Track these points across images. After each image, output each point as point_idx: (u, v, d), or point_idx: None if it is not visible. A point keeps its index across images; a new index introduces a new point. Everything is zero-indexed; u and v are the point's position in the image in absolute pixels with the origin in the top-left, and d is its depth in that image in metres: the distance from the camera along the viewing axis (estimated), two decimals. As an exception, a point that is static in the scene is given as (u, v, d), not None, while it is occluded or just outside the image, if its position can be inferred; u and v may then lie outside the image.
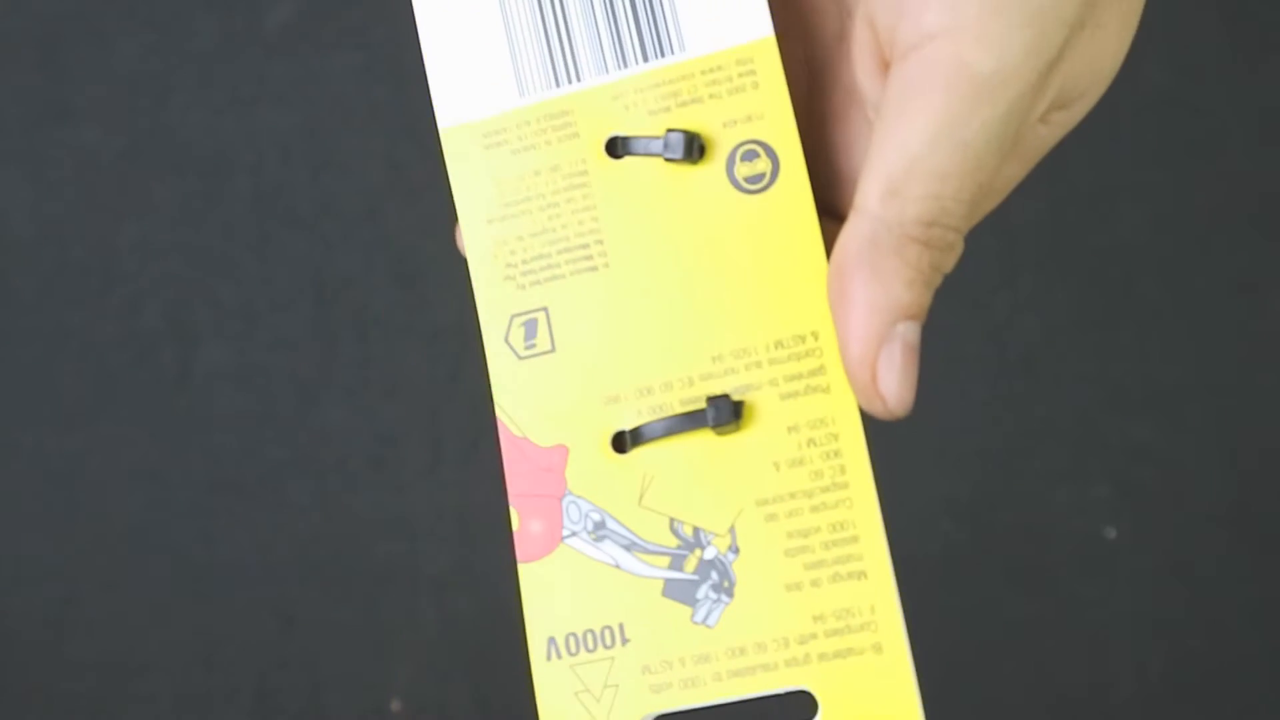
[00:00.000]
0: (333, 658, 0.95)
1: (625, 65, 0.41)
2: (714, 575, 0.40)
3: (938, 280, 0.38)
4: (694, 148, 0.40)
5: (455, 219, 0.99)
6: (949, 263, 0.38)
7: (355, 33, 1.00)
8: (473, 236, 0.42)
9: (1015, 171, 0.39)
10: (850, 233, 0.38)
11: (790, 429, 0.40)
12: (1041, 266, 0.99)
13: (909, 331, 0.38)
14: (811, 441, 0.40)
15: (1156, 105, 1.00)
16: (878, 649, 0.39)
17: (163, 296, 0.98)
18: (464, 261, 1.04)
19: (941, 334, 0.98)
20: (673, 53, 0.41)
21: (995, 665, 0.96)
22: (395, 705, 0.95)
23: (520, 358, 0.41)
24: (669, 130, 0.40)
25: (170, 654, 0.95)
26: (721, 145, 0.41)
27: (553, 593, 0.40)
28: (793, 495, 0.40)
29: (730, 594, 0.39)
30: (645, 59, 0.41)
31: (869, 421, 0.40)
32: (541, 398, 0.41)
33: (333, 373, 0.97)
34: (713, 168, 0.41)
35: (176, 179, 0.99)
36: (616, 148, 0.41)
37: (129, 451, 0.96)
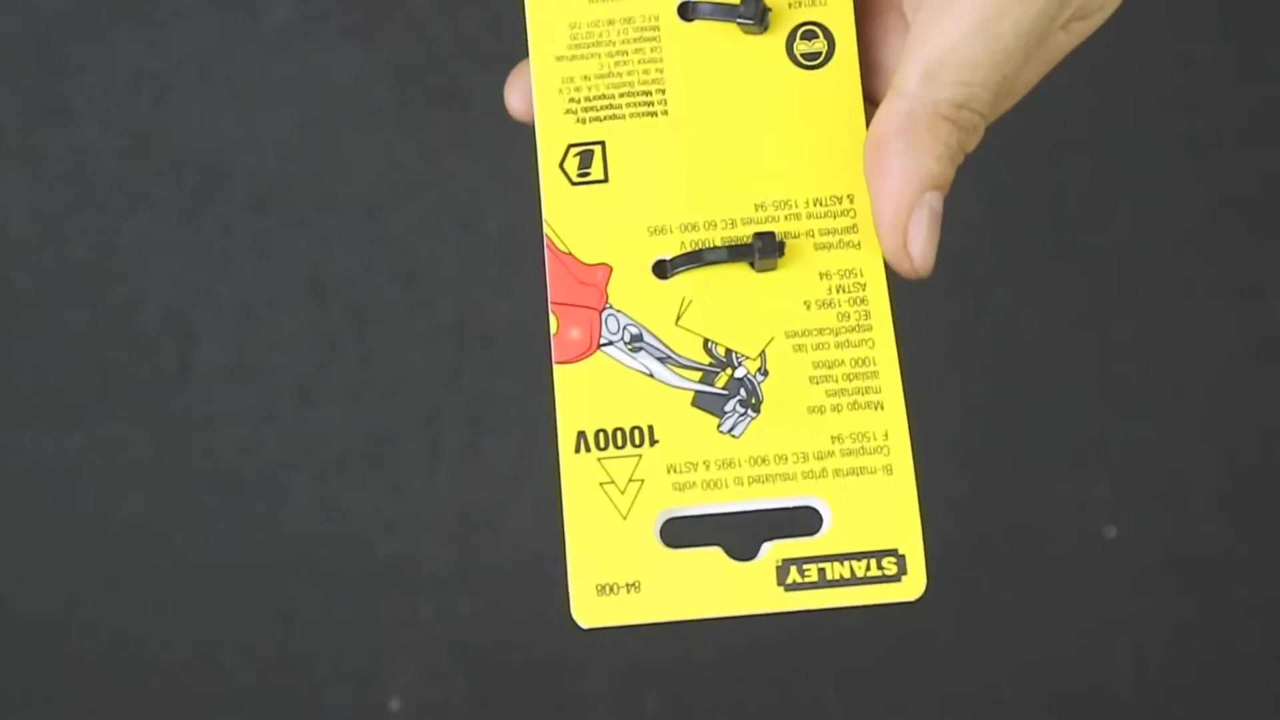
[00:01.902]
0: (332, 657, 0.95)
1: None
2: (743, 392, 0.43)
3: (960, 158, 0.43)
4: (764, 14, 0.45)
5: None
6: (972, 143, 0.43)
7: (355, 31, 1.00)
8: (541, 71, 0.45)
9: (1032, 75, 0.44)
10: (889, 109, 0.42)
11: (822, 275, 0.44)
12: (1041, 265, 0.99)
13: (935, 200, 0.42)
14: (841, 288, 0.44)
15: (1156, 104, 1.00)
16: (888, 470, 0.44)
17: (162, 295, 0.97)
18: (463, 260, 1.03)
19: (941, 332, 0.98)
20: None
21: (994, 663, 0.96)
22: (395, 704, 0.95)
23: (573, 183, 0.45)
24: None
25: (170, 654, 0.95)
26: (785, 22, 0.45)
27: (586, 392, 0.43)
28: (820, 331, 0.44)
29: (757, 410, 0.43)
30: None
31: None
32: (589, 220, 0.44)
33: (332, 372, 0.97)
34: (774, 41, 0.45)
35: (175, 178, 0.99)
36: (688, 12, 0.45)
37: (129, 451, 0.96)
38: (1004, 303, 0.98)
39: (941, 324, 0.98)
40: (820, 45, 0.45)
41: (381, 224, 0.98)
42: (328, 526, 0.96)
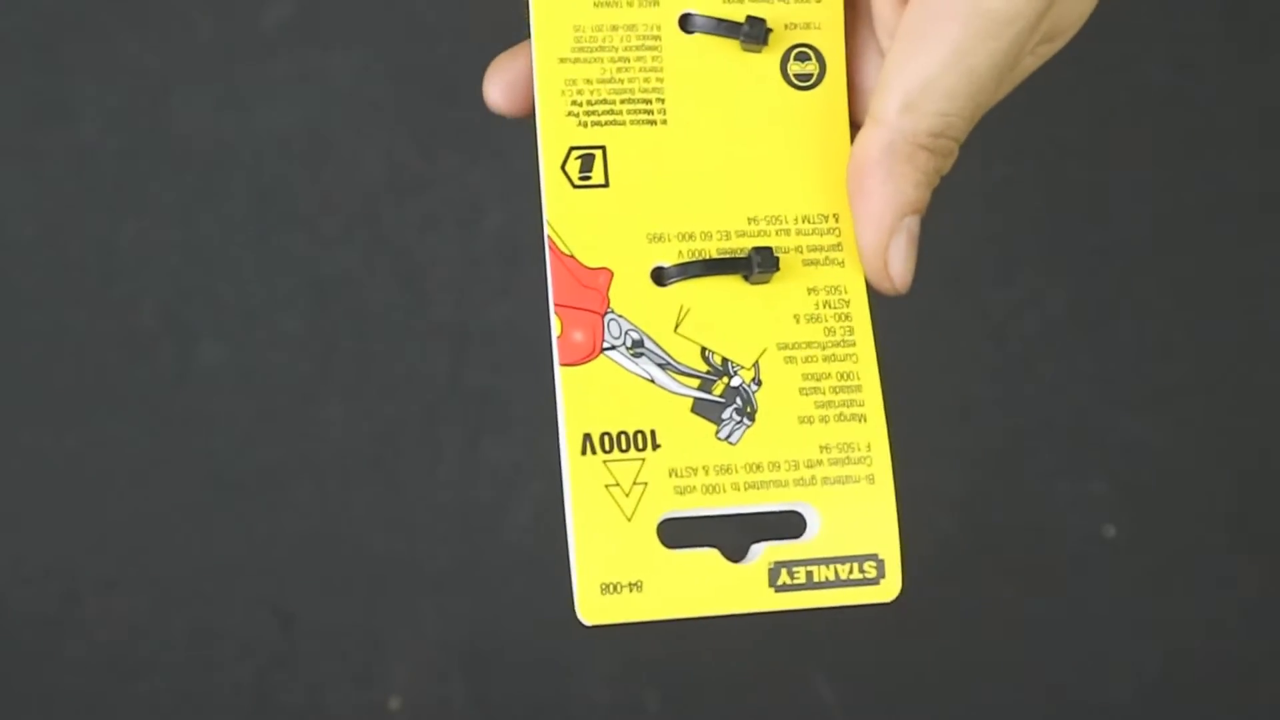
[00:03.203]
0: (332, 657, 0.95)
1: None
2: (739, 400, 0.45)
3: (937, 181, 0.45)
4: (764, 34, 0.46)
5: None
6: (947, 167, 0.45)
7: (355, 30, 1.00)
8: (544, 72, 0.46)
9: (1000, 96, 0.46)
10: (870, 139, 0.44)
11: (810, 290, 0.46)
12: (1041, 265, 0.99)
13: (913, 224, 0.45)
14: (827, 304, 0.46)
15: (1156, 105, 1.00)
16: (870, 480, 0.45)
17: (161, 295, 0.98)
18: (463, 260, 1.03)
19: (941, 332, 0.98)
20: None
21: (993, 663, 0.96)
22: (395, 704, 0.95)
23: (575, 186, 0.45)
24: (749, 15, 0.46)
25: (170, 654, 0.95)
26: (780, 42, 0.47)
27: (591, 395, 0.44)
28: (809, 344, 0.45)
29: (752, 418, 0.45)
30: None
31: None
32: (590, 224, 0.45)
33: (331, 372, 0.97)
34: (769, 60, 0.47)
35: (175, 177, 0.99)
36: (689, 24, 0.46)
37: (129, 451, 0.96)
38: (1003, 303, 0.98)
39: (941, 324, 0.98)
40: (812, 68, 0.47)
41: (381, 224, 0.98)
42: (327, 526, 0.96)
